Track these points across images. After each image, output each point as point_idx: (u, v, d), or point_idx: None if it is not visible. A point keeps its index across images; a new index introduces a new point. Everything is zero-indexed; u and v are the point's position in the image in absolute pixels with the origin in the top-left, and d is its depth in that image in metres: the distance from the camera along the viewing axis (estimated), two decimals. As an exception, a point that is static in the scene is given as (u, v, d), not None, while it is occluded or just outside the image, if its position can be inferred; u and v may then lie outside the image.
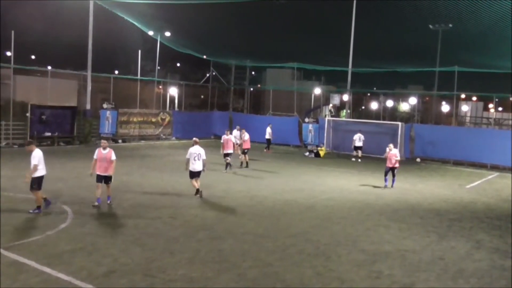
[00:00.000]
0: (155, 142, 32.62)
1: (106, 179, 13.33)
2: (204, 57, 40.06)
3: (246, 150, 22.22)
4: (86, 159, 22.02)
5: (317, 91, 42.82)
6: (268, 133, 29.34)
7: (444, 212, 14.91)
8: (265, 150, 28.46)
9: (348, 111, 37.08)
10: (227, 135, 20.92)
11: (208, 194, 15.69)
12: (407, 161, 27.68)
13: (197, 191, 15.11)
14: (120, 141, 30.91)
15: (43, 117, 27.05)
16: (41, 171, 12.24)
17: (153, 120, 33.80)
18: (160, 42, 37.81)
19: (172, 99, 40.85)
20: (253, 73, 50.55)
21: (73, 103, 35.25)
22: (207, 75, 43.03)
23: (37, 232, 10.52)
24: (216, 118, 36.97)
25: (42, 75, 40.75)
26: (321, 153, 28.56)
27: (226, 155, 20.58)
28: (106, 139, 28.03)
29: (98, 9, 30.31)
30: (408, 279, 8.92)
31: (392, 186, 18.50)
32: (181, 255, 9.60)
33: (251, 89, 46.20)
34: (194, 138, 15.89)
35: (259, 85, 53.41)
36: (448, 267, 9.71)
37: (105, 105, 30.75)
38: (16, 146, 25.40)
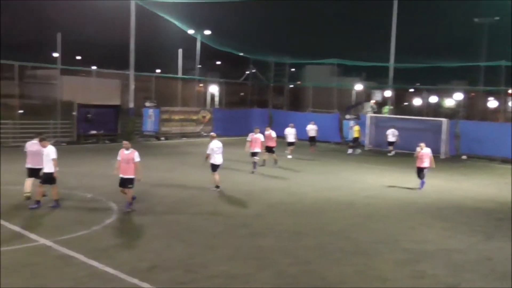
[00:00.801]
0: (196, 139, 33.01)
1: (126, 182, 12.53)
2: (242, 54, 40.19)
3: (271, 148, 21.26)
4: (129, 156, 22.54)
5: (358, 87, 42.25)
6: (315, 130, 28.29)
7: (490, 211, 14.46)
8: (311, 148, 27.51)
9: (391, 107, 36.43)
10: (255, 133, 19.78)
11: (248, 191, 15.80)
12: (452, 158, 26.96)
13: (217, 185, 15.78)
14: (162, 138, 31.48)
15: (89, 115, 27.80)
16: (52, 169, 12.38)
17: (194, 117, 34.22)
18: (200, 40, 38.22)
19: (212, 96, 41.26)
20: (292, 70, 50.34)
21: (116, 101, 36.06)
22: (247, 72, 43.16)
23: (84, 227, 10.88)
24: (256, 116, 37.02)
25: (87, 75, 41.92)
26: (356, 133, 28.25)
27: (254, 154, 19.56)
28: (155, 136, 28.44)
29: (139, 9, 30.92)
30: (453, 279, 8.72)
31: (421, 187, 17.25)
32: (222, 251, 9.72)
33: (291, 86, 46.02)
34: (211, 133, 17.08)
35: (298, 82, 53.09)
36: (495, 267, 9.42)
37: (147, 104, 31.38)
38: (64, 144, 26.24)
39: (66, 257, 8.97)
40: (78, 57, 63.72)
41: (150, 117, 31.09)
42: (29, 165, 13.03)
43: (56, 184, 12.55)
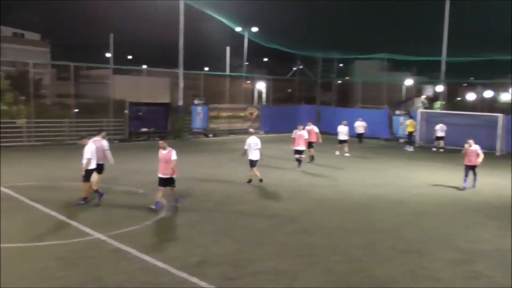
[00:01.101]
0: (244, 136, 33.12)
1: (168, 182, 12.47)
2: (289, 50, 40.09)
3: (311, 143, 20.84)
4: (179, 153, 22.86)
5: (408, 82, 41.28)
6: (363, 127, 27.81)
7: (550, 210, 13.78)
8: (359, 145, 27.00)
9: (442, 102, 35.36)
10: (299, 130, 19.13)
11: (295, 188, 15.80)
12: (508, 155, 25.87)
13: (250, 180, 16.14)
14: (210, 135, 31.91)
15: (140, 113, 28.53)
16: (92, 165, 12.72)
17: (242, 114, 34.46)
18: (248, 38, 38.41)
19: (259, 93, 41.40)
20: (340, 65, 49.76)
21: (166, 99, 36.90)
22: (294, 69, 43.03)
23: (137, 222, 11.20)
24: (304, 112, 36.83)
25: (138, 74, 43.06)
26: (410, 128, 27.57)
27: (297, 151, 19.02)
28: (204, 132, 28.86)
29: (187, 8, 31.40)
30: (510, 280, 8.38)
31: (474, 185, 16.54)
32: (270, 247, 9.76)
33: (339, 81, 45.52)
34: (250, 129, 17.45)
35: (347, 78, 52.44)
36: (555, 269, 8.99)
37: (196, 101, 31.89)
38: (117, 141, 27.04)
39: (119, 251, 9.27)
40: (130, 57, 65.56)
41: (198, 115, 31.58)
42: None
43: (90, 182, 12.81)
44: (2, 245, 9.32)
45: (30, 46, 72.13)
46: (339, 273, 8.49)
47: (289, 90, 47.52)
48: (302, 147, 19.00)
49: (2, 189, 14.19)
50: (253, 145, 15.97)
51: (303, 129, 19.40)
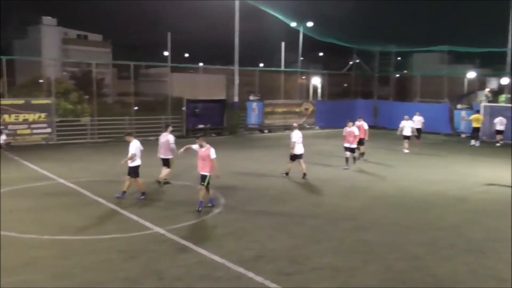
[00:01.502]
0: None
1: (201, 180, 12.15)
2: (345, 44, 39.52)
3: (361, 140, 20.03)
4: (234, 149, 23.26)
5: (471, 75, 39.57)
6: (421, 122, 26.89)
7: None
8: (417, 141, 26.04)
9: (508, 95, 33.68)
10: (349, 126, 18.34)
11: (351, 184, 15.59)
12: None
13: (287, 173, 16.38)
14: (265, 131, 32.03)
15: (196, 110, 29.05)
16: (137, 161, 13.02)
17: (297, 110, 34.35)
18: (303, 32, 38.19)
19: (315, 88, 41.07)
20: (398, 58, 48.48)
21: (222, 96, 37.33)
22: (350, 63, 42.40)
23: (194, 216, 11.44)
24: (360, 107, 36.20)
25: (195, 72, 43.88)
26: (476, 123, 26.56)
27: (348, 149, 18.29)
28: (259, 128, 29.07)
29: (242, 4, 31.61)
30: None
31: None
32: (326, 243, 9.69)
33: (397, 75, 44.37)
34: (294, 124, 17.60)
35: (405, 71, 51.02)
36: None
37: (251, 97, 32.08)
38: (175, 138, 27.65)
39: (177, 244, 9.51)
40: (186, 55, 66.93)
41: (254, 110, 31.76)
42: (160, 155, 14.59)
43: (139, 178, 13.15)
44: (69, 237, 9.82)
45: (93, 47, 75.34)
46: (397, 271, 8.30)
47: (345, 85, 46.83)
48: (352, 144, 18.34)
49: (69, 184, 14.91)
50: (298, 139, 16.23)
51: (353, 125, 18.74)
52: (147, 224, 10.79)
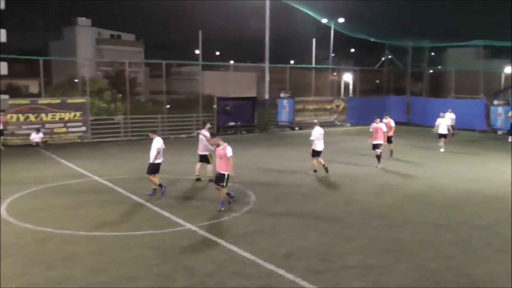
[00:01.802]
0: (330, 128, 32.84)
1: (218, 179, 11.89)
2: (377, 40, 38.99)
3: (389, 137, 19.76)
4: (265, 146, 23.29)
5: (508, 70, 38.42)
6: (452, 119, 26.26)
7: None
8: (451, 138, 25.26)
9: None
10: (376, 123, 17.87)
11: (382, 181, 15.40)
12: None
13: (315, 170, 16.36)
14: (296, 128, 31.94)
15: (227, 108, 29.21)
16: (158, 159, 13.11)
17: (328, 107, 34.14)
18: (334, 29, 37.88)
19: (346, 85, 40.69)
20: (432, 54, 47.52)
21: (252, 93, 37.46)
22: (382, 59, 41.83)
23: (225, 213, 11.53)
24: (392, 103, 35.67)
25: (226, 69, 44.09)
26: None
27: (375, 146, 17.81)
28: (290, 126, 29.00)
29: (273, 2, 31.55)
30: None
31: None
32: (357, 241, 9.61)
33: (431, 71, 43.51)
34: (314, 120, 17.52)
35: (439, 67, 49.98)
36: None
37: (282, 94, 32.05)
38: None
39: (209, 241, 9.60)
40: (217, 53, 67.31)
41: (284, 108, 31.72)
42: (199, 151, 14.90)
43: (159, 174, 13.30)
44: (103, 233, 10.05)
45: (126, 47, 76.63)
46: (430, 270, 8.17)
47: (377, 81, 46.24)
48: (380, 141, 17.83)
49: (104, 181, 15.25)
50: (318, 136, 16.27)
51: (380, 122, 18.26)
52: (179, 220, 10.93)
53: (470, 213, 11.88)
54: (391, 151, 20.04)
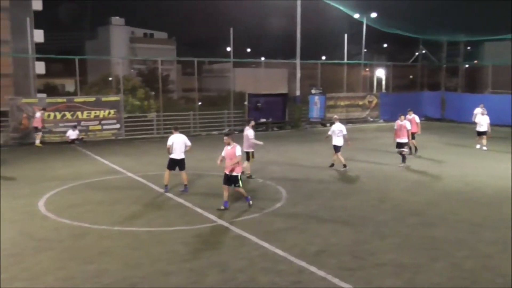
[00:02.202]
0: (362, 125, 32.54)
1: (231, 181, 11.66)
2: (411, 35, 38.29)
3: (413, 134, 18.95)
4: (297, 143, 23.23)
5: (548, 63, 37.13)
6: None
7: None
8: (488, 135, 24.25)
9: None
10: (401, 120, 17.22)
11: (417, 178, 15.15)
12: None
13: (332, 164, 16.79)
14: (328, 125, 31.64)
15: (258, 104, 29.24)
16: (173, 154, 13.21)
17: (360, 103, 33.76)
18: (366, 24, 37.39)
19: (379, 81, 40.12)
20: (468, 48, 46.35)
21: (284, 90, 37.33)
22: (416, 54, 41.07)
23: (256, 210, 11.55)
24: (426, 99, 35.03)
25: (257, 66, 44.09)
26: None
27: (400, 145, 17.23)
28: (321, 122, 28.77)
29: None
30: None
31: None
32: (391, 239, 9.48)
33: (466, 66, 42.50)
34: (335, 116, 18.01)
35: (475, 61, 48.74)
36: None
37: (313, 91, 31.87)
38: (237, 132, 27.99)
39: (240, 237, 9.64)
40: (248, 50, 67.43)
41: (316, 104, 31.53)
42: (244, 149, 14.95)
43: (185, 170, 13.42)
44: (137, 228, 10.22)
45: (159, 45, 77.64)
46: (466, 270, 7.98)
47: (411, 77, 45.45)
48: (404, 139, 17.19)
49: (137, 177, 15.51)
50: (337, 132, 16.57)
51: (405, 119, 17.59)
52: (211, 216, 11.02)
53: (507, 211, 11.54)
54: (415, 148, 19.52)
